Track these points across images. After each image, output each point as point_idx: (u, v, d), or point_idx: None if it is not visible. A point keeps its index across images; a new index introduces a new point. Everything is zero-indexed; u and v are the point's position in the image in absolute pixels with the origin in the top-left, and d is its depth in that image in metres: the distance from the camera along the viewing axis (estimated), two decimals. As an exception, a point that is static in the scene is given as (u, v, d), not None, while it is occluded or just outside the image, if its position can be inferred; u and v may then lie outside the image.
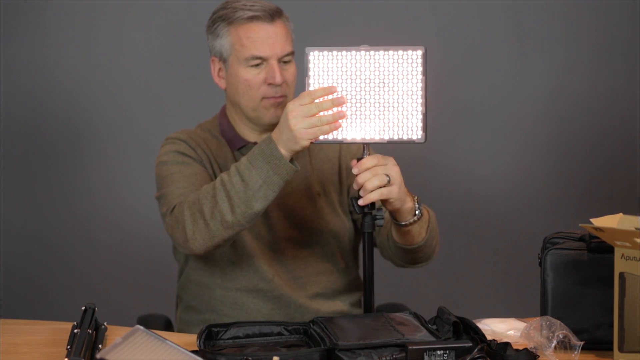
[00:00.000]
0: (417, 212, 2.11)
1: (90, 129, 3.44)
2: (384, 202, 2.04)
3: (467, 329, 1.84)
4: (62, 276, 3.46)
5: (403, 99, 1.96)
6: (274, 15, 2.26)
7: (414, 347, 1.73)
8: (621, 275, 1.80)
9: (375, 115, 1.97)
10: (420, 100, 1.96)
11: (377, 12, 3.48)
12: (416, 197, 2.12)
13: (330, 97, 1.95)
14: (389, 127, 1.97)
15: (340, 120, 1.96)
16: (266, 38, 2.25)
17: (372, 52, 1.96)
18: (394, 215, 2.11)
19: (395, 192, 2.00)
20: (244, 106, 2.30)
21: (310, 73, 1.98)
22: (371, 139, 1.98)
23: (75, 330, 1.83)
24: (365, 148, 2.02)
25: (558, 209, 3.56)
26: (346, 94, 1.97)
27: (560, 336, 1.80)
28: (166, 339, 1.57)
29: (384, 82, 1.96)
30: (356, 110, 1.98)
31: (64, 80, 3.42)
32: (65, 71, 3.41)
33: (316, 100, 1.95)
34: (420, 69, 1.95)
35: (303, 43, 2.07)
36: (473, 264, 3.61)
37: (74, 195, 3.45)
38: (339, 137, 1.98)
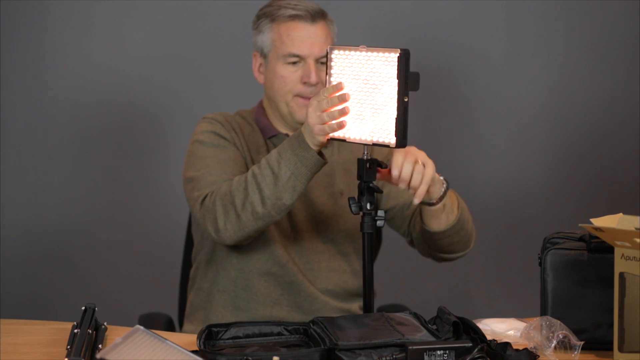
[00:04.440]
0: (441, 178, 2.17)
1: (89, 129, 3.43)
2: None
3: (467, 329, 1.84)
4: (62, 276, 3.46)
5: (386, 102, 1.95)
6: (315, 16, 2.32)
7: (414, 347, 1.73)
8: (621, 275, 1.80)
9: (368, 116, 1.98)
10: (395, 104, 1.94)
11: (379, 11, 3.48)
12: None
13: (338, 93, 1.99)
14: (376, 128, 1.97)
15: (344, 118, 1.98)
16: (306, 37, 2.31)
17: (369, 53, 1.97)
18: (429, 195, 2.17)
19: (431, 173, 2.09)
20: (278, 102, 2.35)
21: (332, 71, 2.02)
22: (362, 139, 1.99)
23: (75, 330, 1.83)
24: (366, 149, 2.03)
25: (558, 209, 3.56)
26: (352, 93, 1.99)
27: (560, 336, 1.80)
28: (166, 339, 1.57)
29: (375, 84, 1.97)
30: (356, 111, 1.99)
31: (64, 79, 3.42)
32: (66, 70, 3.41)
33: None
34: (395, 72, 1.93)
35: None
36: (473, 264, 3.60)
37: (73, 194, 3.45)
38: (346, 135, 2.01)
